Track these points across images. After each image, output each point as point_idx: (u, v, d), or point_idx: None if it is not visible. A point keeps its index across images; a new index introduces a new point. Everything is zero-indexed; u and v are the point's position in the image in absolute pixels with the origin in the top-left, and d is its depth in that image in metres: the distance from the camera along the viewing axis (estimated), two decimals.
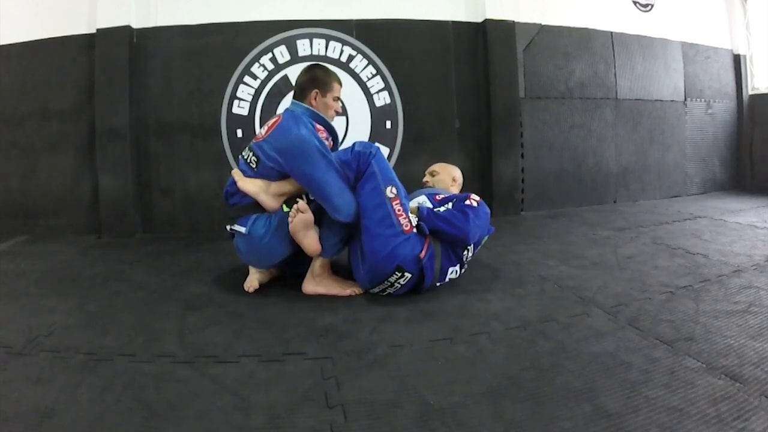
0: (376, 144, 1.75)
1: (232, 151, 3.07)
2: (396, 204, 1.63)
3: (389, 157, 3.23)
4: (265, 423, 0.96)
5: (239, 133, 3.08)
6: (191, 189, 3.06)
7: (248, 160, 1.74)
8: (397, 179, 1.69)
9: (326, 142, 1.71)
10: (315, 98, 1.80)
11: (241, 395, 1.07)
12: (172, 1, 3.05)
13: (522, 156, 3.40)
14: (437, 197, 1.93)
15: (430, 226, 1.67)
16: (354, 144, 1.70)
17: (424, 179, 2.28)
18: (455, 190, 2.24)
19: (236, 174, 1.73)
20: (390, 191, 1.64)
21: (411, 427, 0.94)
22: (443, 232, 1.68)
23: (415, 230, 1.65)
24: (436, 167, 2.31)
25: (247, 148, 1.79)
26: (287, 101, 3.10)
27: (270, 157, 1.67)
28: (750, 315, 1.44)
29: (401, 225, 1.62)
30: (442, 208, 1.82)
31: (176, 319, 1.54)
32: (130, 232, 2.95)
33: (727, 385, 1.06)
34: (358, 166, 1.65)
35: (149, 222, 3.05)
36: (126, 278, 2.03)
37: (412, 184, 2.16)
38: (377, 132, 3.23)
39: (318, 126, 1.75)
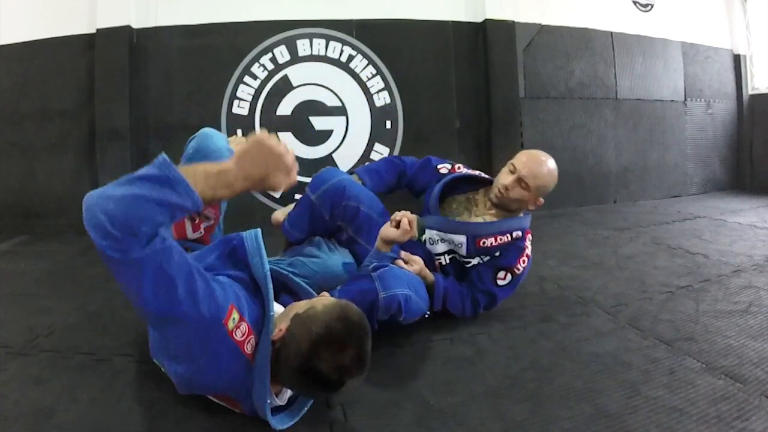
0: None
1: None
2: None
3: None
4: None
5: (239, 133, 3.07)
6: None
7: None
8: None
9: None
10: None
11: None
12: (172, 1, 3.04)
13: None
14: (480, 242, 1.42)
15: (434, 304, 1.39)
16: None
17: (500, 178, 1.46)
18: (531, 207, 1.50)
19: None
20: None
21: (411, 427, 0.94)
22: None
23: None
24: (529, 175, 1.41)
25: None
26: (287, 101, 3.12)
27: None
28: (750, 315, 1.44)
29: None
30: (473, 261, 1.45)
31: None
32: None
33: (727, 385, 1.06)
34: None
35: None
36: None
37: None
38: (377, 132, 3.23)
39: None
